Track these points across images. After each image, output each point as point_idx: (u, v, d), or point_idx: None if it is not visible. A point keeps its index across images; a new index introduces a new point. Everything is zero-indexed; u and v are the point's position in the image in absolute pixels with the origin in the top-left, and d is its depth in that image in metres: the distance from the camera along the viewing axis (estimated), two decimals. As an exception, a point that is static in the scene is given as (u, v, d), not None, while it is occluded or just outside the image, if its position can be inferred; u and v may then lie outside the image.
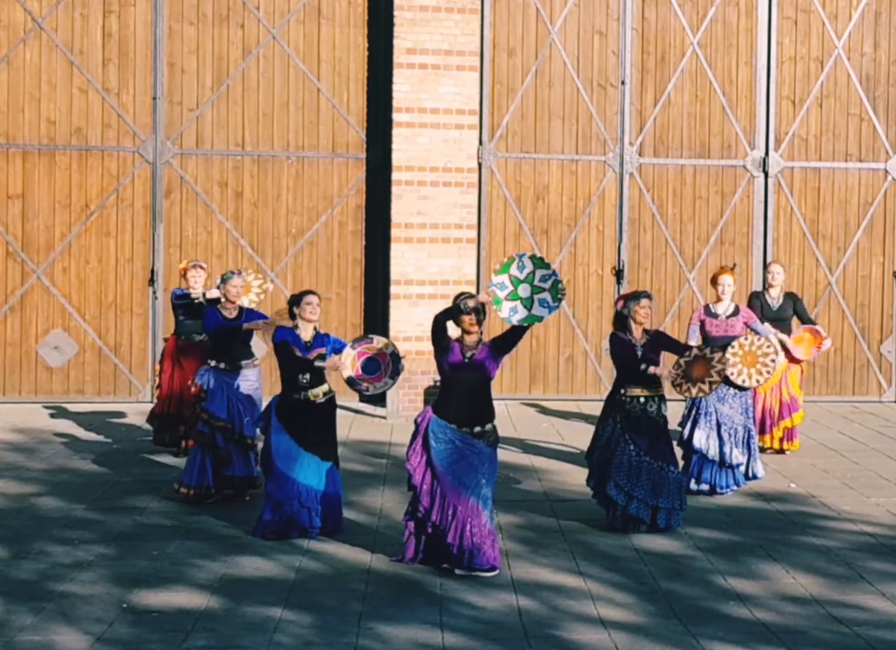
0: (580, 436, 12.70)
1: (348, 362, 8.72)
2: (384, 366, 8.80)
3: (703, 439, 10.21)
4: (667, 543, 8.62)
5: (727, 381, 9.96)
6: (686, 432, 10.30)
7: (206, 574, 7.76)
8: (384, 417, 13.85)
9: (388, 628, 6.77)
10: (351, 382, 8.76)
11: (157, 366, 11.83)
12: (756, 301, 11.85)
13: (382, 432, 12.96)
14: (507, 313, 7.97)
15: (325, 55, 14.80)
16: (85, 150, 14.51)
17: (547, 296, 7.98)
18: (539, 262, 8.02)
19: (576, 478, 10.71)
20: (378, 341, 8.84)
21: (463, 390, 7.86)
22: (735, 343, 10.15)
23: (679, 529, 8.96)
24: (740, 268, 14.64)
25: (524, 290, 8.00)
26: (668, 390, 9.17)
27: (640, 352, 8.99)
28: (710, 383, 9.08)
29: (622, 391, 9.01)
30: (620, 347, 9.08)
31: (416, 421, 8.01)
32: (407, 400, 14.21)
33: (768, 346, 10.20)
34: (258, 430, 9.84)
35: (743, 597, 7.41)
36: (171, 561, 8.04)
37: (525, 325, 7.99)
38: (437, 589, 7.50)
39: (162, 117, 14.60)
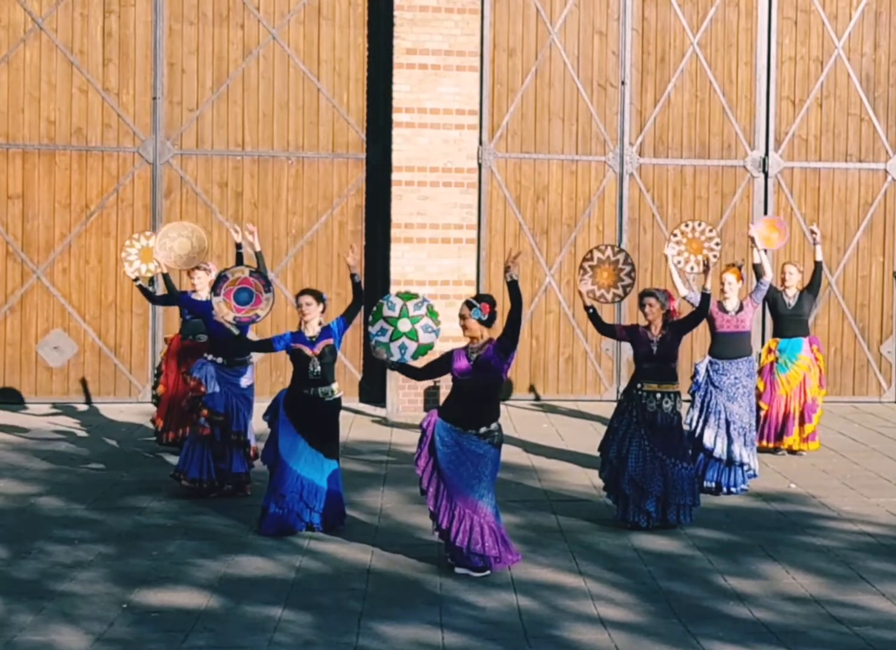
0: (580, 437, 12.71)
1: (224, 310, 8.88)
2: (254, 289, 8.96)
3: (712, 438, 10.24)
4: (667, 543, 8.62)
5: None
6: (697, 430, 10.32)
7: (206, 574, 7.76)
8: (384, 417, 13.85)
9: (388, 628, 6.77)
10: (238, 323, 8.97)
11: (164, 367, 11.45)
12: (775, 295, 11.85)
13: (382, 432, 12.95)
14: (398, 353, 8.05)
15: (325, 55, 14.80)
16: (85, 150, 14.51)
17: (427, 321, 8.05)
18: (406, 295, 8.10)
19: (576, 478, 10.72)
20: (233, 273, 8.99)
21: (471, 393, 7.84)
22: (678, 231, 10.33)
23: (679, 529, 8.96)
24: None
25: (404, 325, 8.05)
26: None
27: (654, 349, 9.05)
28: (625, 288, 9.36)
29: (638, 385, 9.07)
30: (637, 342, 9.16)
31: (421, 426, 7.97)
32: (407, 400, 14.22)
33: (710, 230, 10.32)
34: (250, 427, 9.87)
35: (743, 597, 7.41)
36: (171, 560, 8.04)
37: (431, 345, 8.05)
38: (437, 589, 7.50)
39: (162, 117, 14.60)
